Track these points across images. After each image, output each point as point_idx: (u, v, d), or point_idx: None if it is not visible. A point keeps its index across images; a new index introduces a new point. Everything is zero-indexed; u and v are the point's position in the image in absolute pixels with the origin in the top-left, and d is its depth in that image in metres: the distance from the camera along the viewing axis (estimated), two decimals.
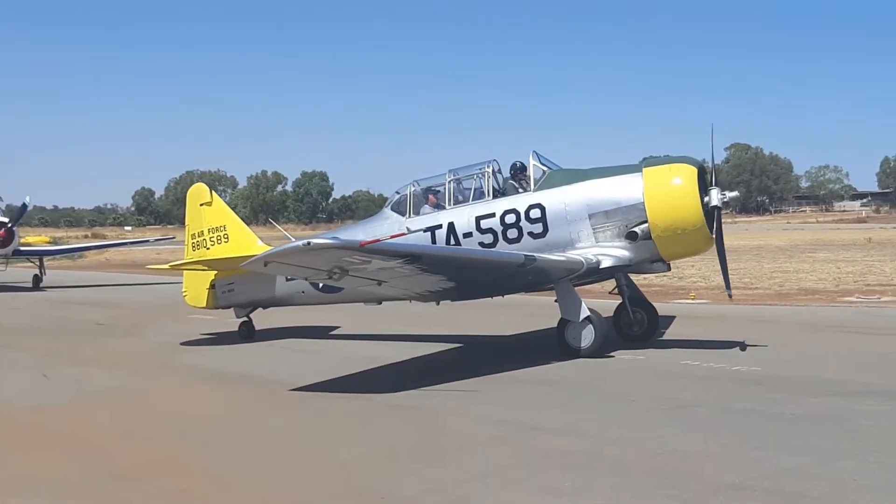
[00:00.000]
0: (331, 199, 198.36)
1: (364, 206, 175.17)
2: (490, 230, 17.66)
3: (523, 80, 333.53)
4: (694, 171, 16.87)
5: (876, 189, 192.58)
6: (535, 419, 12.35)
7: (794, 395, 13.39)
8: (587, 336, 16.57)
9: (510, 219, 17.62)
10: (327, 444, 11.59)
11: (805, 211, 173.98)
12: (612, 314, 18.97)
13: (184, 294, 21.09)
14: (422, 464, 10.40)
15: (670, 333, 19.29)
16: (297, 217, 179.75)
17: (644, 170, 17.21)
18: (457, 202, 18.20)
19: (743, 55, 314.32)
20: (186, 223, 21.26)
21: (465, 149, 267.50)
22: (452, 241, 17.84)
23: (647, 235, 16.76)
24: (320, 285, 18.46)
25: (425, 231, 18.14)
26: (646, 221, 16.78)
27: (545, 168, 17.94)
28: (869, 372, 14.99)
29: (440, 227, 18.05)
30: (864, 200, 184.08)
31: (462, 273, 16.16)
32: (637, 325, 18.74)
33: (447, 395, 14.29)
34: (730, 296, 18.91)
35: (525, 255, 16.19)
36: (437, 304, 18.78)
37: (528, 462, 10.26)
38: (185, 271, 21.08)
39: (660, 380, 15.01)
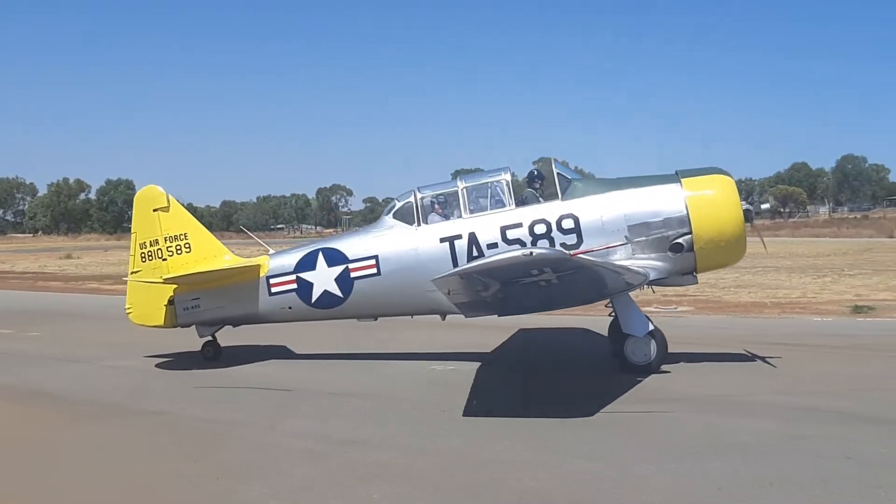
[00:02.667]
0: None
1: None
2: (518, 241, 16.55)
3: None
4: (733, 182, 16.68)
5: None
6: (349, 433, 12.34)
7: (591, 402, 13.69)
8: (649, 351, 15.88)
9: (540, 229, 16.63)
10: (131, 463, 11.17)
11: None
12: (609, 327, 18.67)
13: (128, 310, 18.65)
14: (232, 481, 10.19)
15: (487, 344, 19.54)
16: (102, 227, 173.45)
17: (683, 180, 16.62)
18: (472, 211, 17.17)
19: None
20: (134, 230, 18.84)
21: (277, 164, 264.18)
22: (475, 253, 16.69)
23: (690, 247, 16.34)
24: (312, 300, 17.51)
25: (442, 241, 16.93)
26: (689, 233, 16.28)
27: (568, 177, 17.23)
28: (659, 379, 15.58)
29: (459, 237, 16.86)
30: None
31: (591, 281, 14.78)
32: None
33: (258, 409, 14.11)
34: None
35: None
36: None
37: (340, 476, 10.22)
38: (129, 285, 18.77)
39: (465, 391, 15.05)
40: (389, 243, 17.31)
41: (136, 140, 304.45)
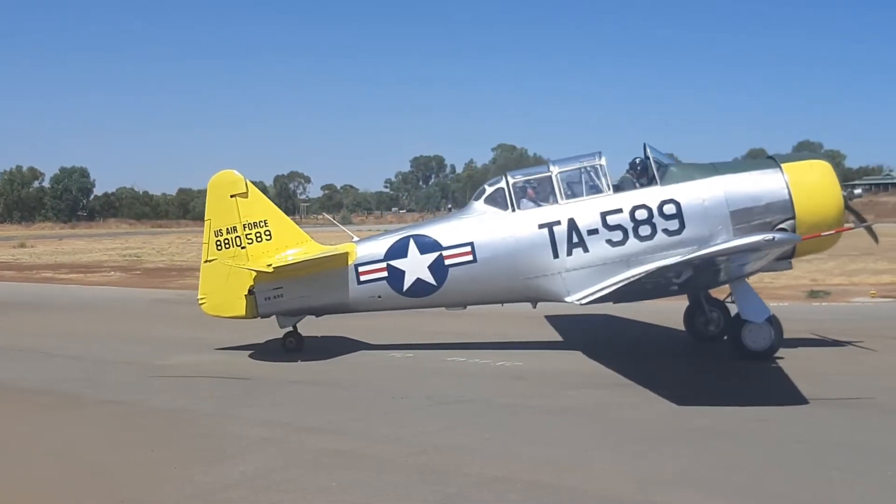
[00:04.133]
0: (92, 197, 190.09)
1: (128, 204, 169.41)
2: (619, 227, 16.47)
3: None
4: (832, 168, 16.67)
5: None
6: (304, 420, 12.34)
7: (554, 388, 13.97)
8: (767, 337, 15.53)
9: (641, 215, 16.48)
10: (88, 452, 11.07)
11: None
12: (684, 314, 18.61)
13: (201, 300, 17.77)
14: (188, 469, 10.11)
15: (451, 332, 19.52)
16: (56, 215, 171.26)
17: (784, 165, 16.56)
18: (568, 197, 16.97)
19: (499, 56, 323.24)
20: (208, 217, 17.84)
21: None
22: (575, 239, 16.57)
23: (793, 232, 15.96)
24: (404, 288, 17.06)
25: (540, 227, 16.71)
26: (792, 218, 16.17)
27: (664, 162, 17.12)
28: (625, 366, 15.74)
29: (558, 223, 16.65)
30: None
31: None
32: (713, 325, 18.12)
33: (215, 397, 14.03)
34: None
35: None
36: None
37: (297, 463, 10.22)
38: (202, 273, 17.89)
39: (427, 377, 15.31)
40: (484, 230, 17.00)
41: (90, 127, 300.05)
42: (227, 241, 17.60)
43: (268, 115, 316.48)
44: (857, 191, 17.48)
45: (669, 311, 19.01)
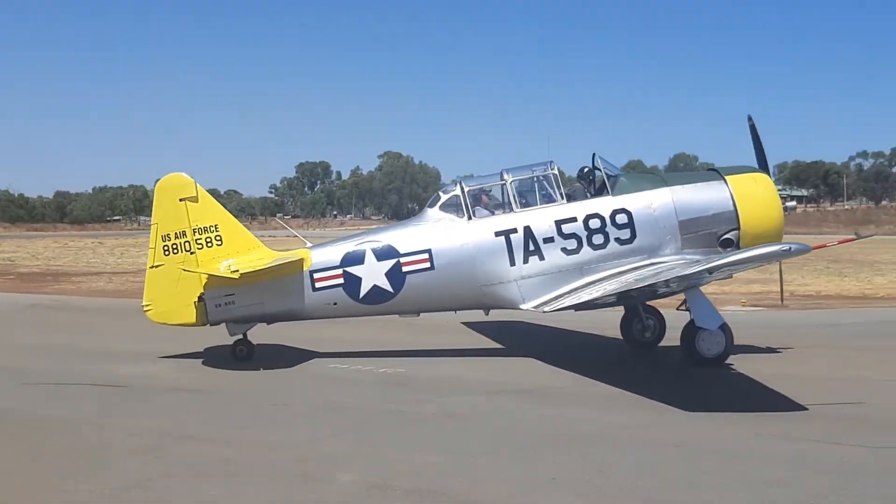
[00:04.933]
0: None
1: (3, 207, 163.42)
2: (573, 235, 16.81)
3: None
4: (771, 180, 17.39)
5: None
6: (184, 428, 12.15)
7: (438, 395, 14.07)
8: (720, 344, 15.76)
9: (595, 224, 16.85)
10: None
11: None
12: (621, 321, 18.83)
13: (146, 307, 17.05)
14: (63, 479, 9.82)
15: (323, 340, 19.44)
16: None
17: (728, 178, 17.13)
18: (522, 205, 17.16)
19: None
20: (155, 221, 17.27)
21: None
22: (531, 247, 16.79)
23: (738, 242, 16.73)
24: (361, 295, 16.79)
25: (497, 235, 16.87)
26: (737, 228, 16.79)
27: (614, 172, 17.47)
28: (499, 372, 15.95)
29: (515, 231, 16.84)
30: None
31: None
32: (649, 332, 18.51)
33: (91, 406, 13.68)
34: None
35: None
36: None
37: (176, 472, 10.04)
38: (148, 279, 17.25)
39: (310, 385, 15.31)
40: (442, 237, 16.99)
41: None
42: (175, 246, 17.07)
43: (150, 118, 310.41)
44: (790, 203, 18.15)
45: (574, 316, 19.14)
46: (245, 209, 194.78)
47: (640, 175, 17.85)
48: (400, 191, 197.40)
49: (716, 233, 16.88)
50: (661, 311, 18.67)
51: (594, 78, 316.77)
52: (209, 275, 16.63)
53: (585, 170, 17.68)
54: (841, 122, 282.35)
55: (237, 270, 16.36)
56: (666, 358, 17.47)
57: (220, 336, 17.32)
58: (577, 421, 12.22)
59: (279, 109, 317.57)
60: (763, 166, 17.71)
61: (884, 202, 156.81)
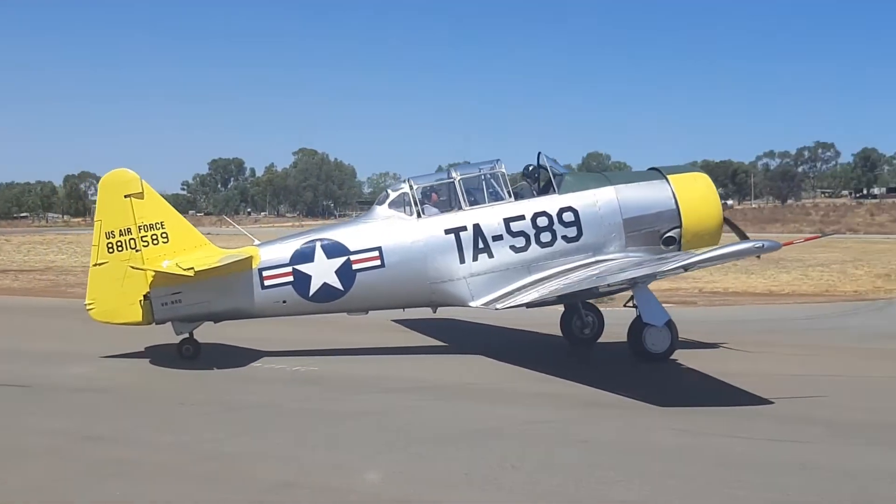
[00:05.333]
0: None
1: None
2: (522, 233, 16.96)
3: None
4: (710, 180, 17.89)
5: None
6: (88, 428, 11.94)
7: (348, 393, 14.08)
8: (666, 340, 16.02)
9: (542, 222, 17.01)
10: None
11: None
12: (561, 318, 18.94)
13: (89, 306, 16.60)
14: None
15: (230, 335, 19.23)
16: None
17: (670, 177, 17.50)
18: (471, 203, 17.19)
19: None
20: (98, 217, 16.79)
21: None
22: (481, 244, 16.88)
23: (679, 240, 17.07)
24: (310, 293, 16.56)
25: (447, 233, 16.91)
26: (679, 227, 17.14)
27: (559, 171, 17.62)
28: (417, 369, 16.00)
29: (465, 228, 16.92)
30: None
31: None
32: (589, 328, 18.77)
33: None
34: None
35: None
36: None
37: (78, 473, 9.90)
38: (91, 277, 16.73)
39: (218, 383, 15.21)
40: (392, 234, 16.95)
41: None
42: (119, 244, 16.64)
43: (56, 112, 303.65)
44: (729, 202, 18.55)
45: (511, 313, 19.25)
46: None
47: (585, 174, 18.35)
48: (315, 188, 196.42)
49: (658, 231, 17.26)
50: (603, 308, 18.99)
51: (510, 76, 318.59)
52: (155, 272, 16.26)
53: (530, 168, 17.87)
54: (748, 122, 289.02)
55: (192, 268, 16.05)
56: (589, 354, 17.92)
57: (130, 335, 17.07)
58: (491, 417, 12.37)
59: (191, 104, 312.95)
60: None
61: (790, 201, 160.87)
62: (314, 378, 15.37)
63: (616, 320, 18.67)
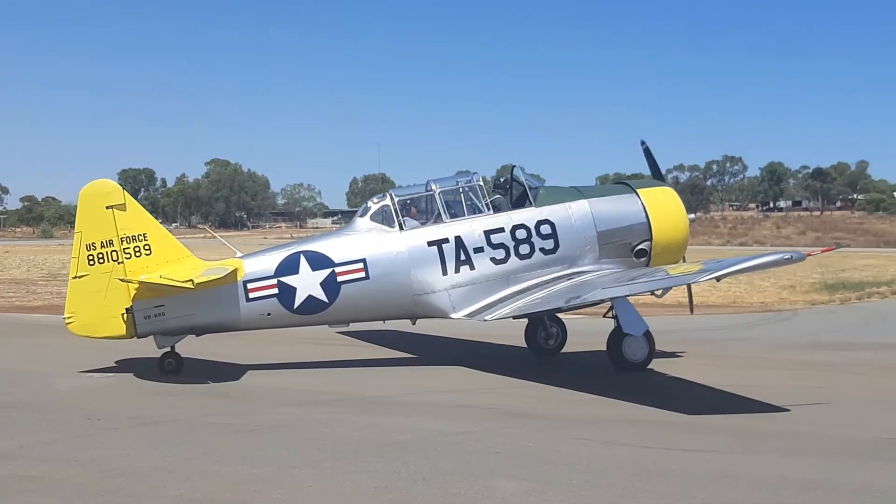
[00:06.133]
0: None
1: None
2: (502, 245, 17.25)
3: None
4: (676, 194, 18.53)
5: (346, 207, 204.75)
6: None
7: (259, 406, 13.94)
8: (644, 349, 16.54)
9: (521, 234, 17.31)
10: None
11: (281, 227, 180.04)
12: (525, 329, 19.26)
13: (68, 319, 16.19)
14: None
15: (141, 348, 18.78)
16: None
17: (640, 191, 18.02)
18: (452, 216, 17.33)
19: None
20: (79, 229, 16.39)
21: None
22: (462, 256, 17.10)
23: (650, 252, 17.52)
24: (295, 306, 16.43)
25: (430, 245, 17.10)
26: (650, 239, 17.59)
27: (534, 184, 17.94)
28: (335, 382, 15.90)
29: (447, 241, 17.12)
30: (335, 218, 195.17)
31: None
32: (553, 339, 19.14)
33: None
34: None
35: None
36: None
37: None
38: (71, 290, 16.28)
39: (128, 398, 14.91)
40: (376, 247, 17.00)
41: None
42: (101, 256, 16.26)
43: None
44: (691, 216, 19.12)
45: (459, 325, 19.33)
46: (64, 217, 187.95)
47: (558, 188, 18.54)
48: (227, 199, 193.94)
49: (630, 243, 17.81)
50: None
51: (419, 88, 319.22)
52: (154, 285, 15.93)
53: (502, 179, 18.36)
54: (659, 135, 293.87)
55: (191, 280, 15.76)
56: (507, 363, 18.07)
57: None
58: (406, 429, 12.39)
59: (100, 114, 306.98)
60: (661, 181, 19.01)
61: (699, 213, 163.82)
62: (228, 391, 15.21)
63: (577, 329, 19.49)
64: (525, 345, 19.45)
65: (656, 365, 17.31)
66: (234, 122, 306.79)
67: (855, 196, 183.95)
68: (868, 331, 24.55)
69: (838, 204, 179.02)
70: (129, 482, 9.89)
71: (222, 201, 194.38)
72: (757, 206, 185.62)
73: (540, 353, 19.14)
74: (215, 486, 9.73)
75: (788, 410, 13.43)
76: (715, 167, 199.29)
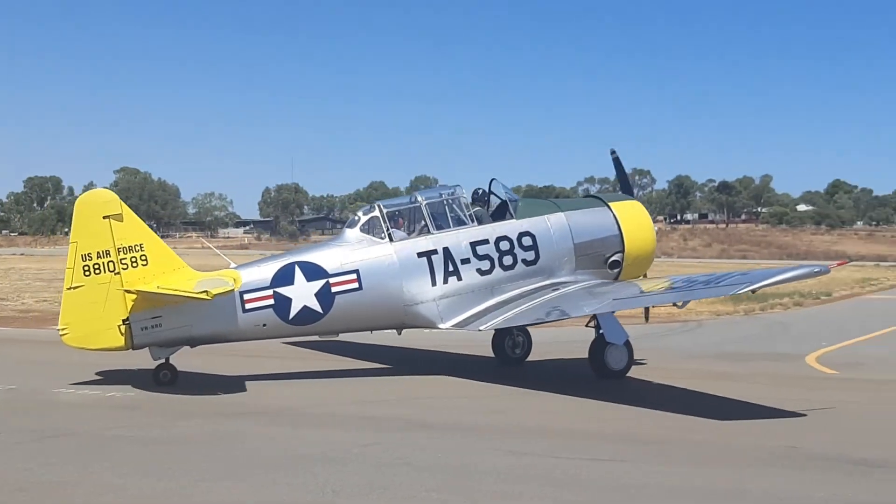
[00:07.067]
0: None
1: None
2: (487, 256, 17.67)
3: None
4: (644, 207, 19.41)
5: (258, 217, 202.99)
6: None
7: (168, 419, 13.76)
8: (625, 358, 17.17)
9: (504, 246, 17.76)
10: None
11: (192, 236, 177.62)
12: (492, 338, 19.58)
13: (62, 331, 15.82)
14: None
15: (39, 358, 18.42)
16: None
17: (612, 205, 18.75)
18: (438, 228, 17.67)
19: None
20: (74, 239, 16.00)
21: None
22: (450, 267, 17.44)
23: (622, 264, 18.08)
24: (290, 316, 16.43)
25: (420, 256, 17.41)
26: (622, 251, 18.10)
27: (513, 197, 18.33)
28: (244, 394, 15.83)
29: (436, 252, 17.45)
30: (247, 227, 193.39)
31: None
32: (519, 348, 19.61)
33: None
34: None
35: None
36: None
37: None
38: (65, 301, 15.90)
39: (30, 410, 14.58)
40: (369, 258, 17.19)
41: None
42: (97, 266, 15.93)
43: None
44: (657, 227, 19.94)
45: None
46: None
47: (536, 200, 19.32)
48: (137, 208, 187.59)
49: (604, 255, 18.41)
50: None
51: (335, 98, 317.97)
52: (163, 296, 15.77)
53: (480, 192, 18.70)
54: (570, 149, 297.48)
55: (206, 290, 15.60)
56: (420, 372, 18.31)
57: None
58: (315, 442, 12.39)
59: (4, 119, 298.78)
60: (629, 193, 19.88)
61: None
62: (132, 404, 15.08)
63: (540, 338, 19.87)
64: (487, 353, 19.88)
65: (567, 374, 17.57)
66: (144, 129, 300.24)
67: (759, 209, 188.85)
68: (771, 341, 25.17)
69: (743, 217, 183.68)
70: (31, 498, 9.66)
71: (131, 210, 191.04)
72: (665, 219, 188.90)
73: (507, 361, 19.63)
74: (119, 499, 9.62)
75: (695, 420, 13.70)
76: None
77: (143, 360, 17.23)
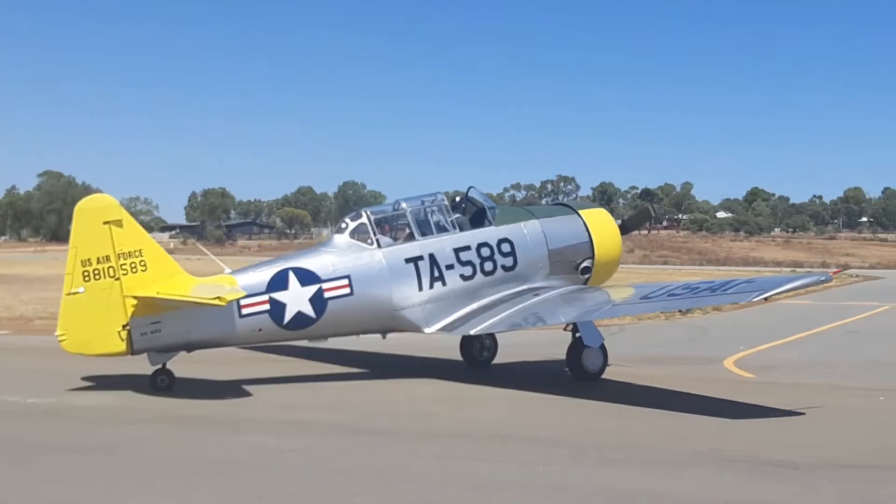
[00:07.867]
0: None
1: None
2: (470, 262, 18.19)
3: None
4: (609, 214, 20.36)
5: (184, 222, 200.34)
6: None
7: (89, 425, 13.62)
8: (600, 360, 17.92)
9: (485, 252, 18.33)
10: None
11: None
12: (461, 342, 20.03)
13: (61, 337, 15.60)
14: None
15: None
16: None
17: (581, 212, 19.67)
18: (421, 234, 18.06)
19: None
20: (73, 244, 15.81)
21: None
22: (436, 273, 17.90)
23: (592, 269, 18.73)
24: (285, 321, 16.63)
25: (407, 262, 17.81)
26: (592, 257, 19.02)
27: (490, 204, 18.87)
28: (163, 400, 15.65)
29: (422, 258, 17.89)
30: (174, 232, 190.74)
31: None
32: (486, 351, 20.17)
33: None
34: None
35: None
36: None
37: None
38: (64, 306, 15.74)
39: None
40: (359, 263, 17.54)
41: None
42: (97, 272, 15.81)
43: None
44: None
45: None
46: None
47: (511, 208, 20.12)
48: (60, 212, 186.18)
49: (575, 261, 19.18)
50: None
51: (264, 99, 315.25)
52: (175, 301, 15.78)
53: (457, 199, 19.31)
54: (496, 155, 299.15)
55: (219, 297, 15.63)
56: (348, 378, 18.51)
57: None
58: (240, 447, 12.32)
59: None
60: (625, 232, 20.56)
61: None
62: (53, 410, 14.85)
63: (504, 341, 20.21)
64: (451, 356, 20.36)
65: (494, 379, 17.72)
66: (69, 133, 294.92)
67: (680, 216, 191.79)
68: (691, 345, 25.69)
69: (664, 223, 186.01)
70: None
71: (55, 214, 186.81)
72: None
73: (475, 364, 20.12)
74: None
75: (618, 423, 13.91)
76: (549, 186, 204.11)
77: (71, 364, 17.03)
